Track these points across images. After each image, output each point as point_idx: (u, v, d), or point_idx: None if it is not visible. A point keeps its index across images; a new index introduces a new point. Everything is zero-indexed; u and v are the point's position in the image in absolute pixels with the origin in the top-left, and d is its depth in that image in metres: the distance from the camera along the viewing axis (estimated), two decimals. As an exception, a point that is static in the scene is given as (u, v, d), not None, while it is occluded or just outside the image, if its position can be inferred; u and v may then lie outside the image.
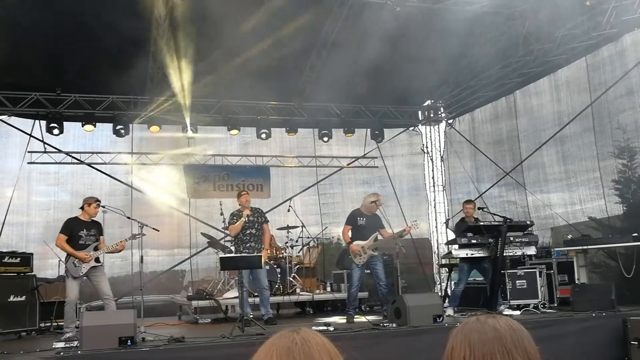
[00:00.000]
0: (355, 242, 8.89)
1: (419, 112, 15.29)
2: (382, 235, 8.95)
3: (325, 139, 13.81)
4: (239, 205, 9.25)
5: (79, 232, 7.84)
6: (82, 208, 8.05)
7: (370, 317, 9.04)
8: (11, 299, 8.41)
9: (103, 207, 8.69)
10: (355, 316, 9.03)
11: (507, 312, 8.52)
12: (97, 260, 7.84)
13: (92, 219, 8.06)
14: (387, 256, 11.47)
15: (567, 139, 11.48)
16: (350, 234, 9.08)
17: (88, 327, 6.12)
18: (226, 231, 11.79)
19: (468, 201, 10.00)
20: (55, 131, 11.87)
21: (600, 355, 7.22)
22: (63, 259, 7.99)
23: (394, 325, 7.31)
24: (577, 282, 9.53)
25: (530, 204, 12.42)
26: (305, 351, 1.30)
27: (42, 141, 12.20)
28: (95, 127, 12.35)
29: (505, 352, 1.38)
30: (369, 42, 10.85)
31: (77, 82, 11.59)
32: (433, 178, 15.25)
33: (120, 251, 8.24)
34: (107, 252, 8.07)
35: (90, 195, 8.53)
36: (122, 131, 12.31)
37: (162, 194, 13.08)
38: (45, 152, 12.33)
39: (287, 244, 11.52)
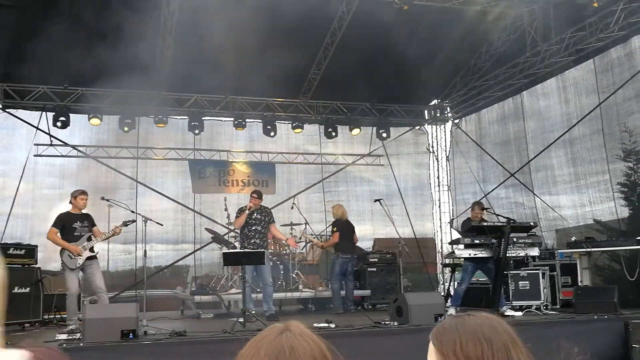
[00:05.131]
0: None
1: (425, 112, 15.26)
2: None
3: (333, 133, 13.78)
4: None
5: (73, 224, 7.93)
6: (71, 202, 8.13)
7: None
8: (15, 290, 8.45)
9: (108, 200, 8.75)
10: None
11: (509, 312, 8.50)
12: (91, 250, 7.93)
13: (82, 211, 8.14)
14: (390, 255, 11.50)
15: (577, 141, 11.39)
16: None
17: (91, 320, 6.16)
18: (230, 227, 11.83)
19: (478, 203, 9.84)
20: (59, 124, 11.87)
21: (602, 358, 7.20)
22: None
23: (396, 323, 7.32)
24: (580, 284, 9.49)
25: (539, 206, 12.35)
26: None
27: (48, 134, 12.23)
28: (101, 120, 12.38)
29: (514, 343, 1.40)
30: (376, 41, 10.85)
31: (84, 75, 11.59)
32: (438, 178, 15.21)
33: (117, 234, 8.26)
34: (104, 239, 8.15)
35: (79, 188, 8.55)
36: (128, 125, 12.34)
37: (166, 188, 13.11)
38: (51, 144, 12.35)
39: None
